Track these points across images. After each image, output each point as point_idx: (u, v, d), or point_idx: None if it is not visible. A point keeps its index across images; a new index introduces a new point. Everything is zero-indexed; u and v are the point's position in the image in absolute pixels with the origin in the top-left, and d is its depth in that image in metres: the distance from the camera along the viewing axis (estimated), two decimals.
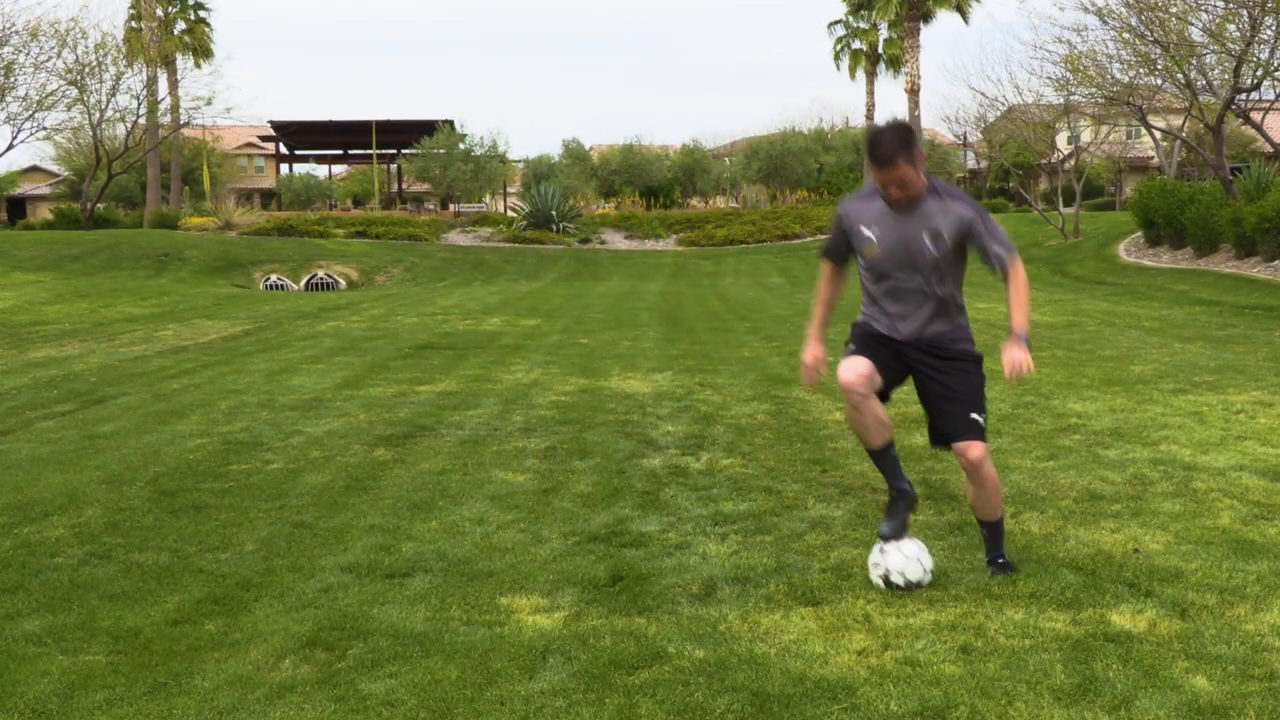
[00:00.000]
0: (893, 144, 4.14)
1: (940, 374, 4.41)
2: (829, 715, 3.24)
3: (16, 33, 34.47)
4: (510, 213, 44.88)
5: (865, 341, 4.46)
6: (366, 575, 4.53)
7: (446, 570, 4.58)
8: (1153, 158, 45.87)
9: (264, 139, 60.71)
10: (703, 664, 3.59)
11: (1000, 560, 4.47)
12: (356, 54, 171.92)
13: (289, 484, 6.13)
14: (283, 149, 55.96)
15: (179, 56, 47.87)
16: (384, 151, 54.28)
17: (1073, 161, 38.36)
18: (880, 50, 51.24)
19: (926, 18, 47.53)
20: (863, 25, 51.31)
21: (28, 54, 35.44)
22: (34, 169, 66.82)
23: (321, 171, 62.85)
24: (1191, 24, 23.37)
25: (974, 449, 4.33)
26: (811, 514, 5.37)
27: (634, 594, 4.25)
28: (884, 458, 4.50)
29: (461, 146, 46.64)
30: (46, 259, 30.28)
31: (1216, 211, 23.69)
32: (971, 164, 59.36)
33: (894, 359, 4.43)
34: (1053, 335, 13.42)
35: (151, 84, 42.50)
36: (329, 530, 5.21)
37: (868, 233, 4.33)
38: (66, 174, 62.09)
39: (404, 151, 51.21)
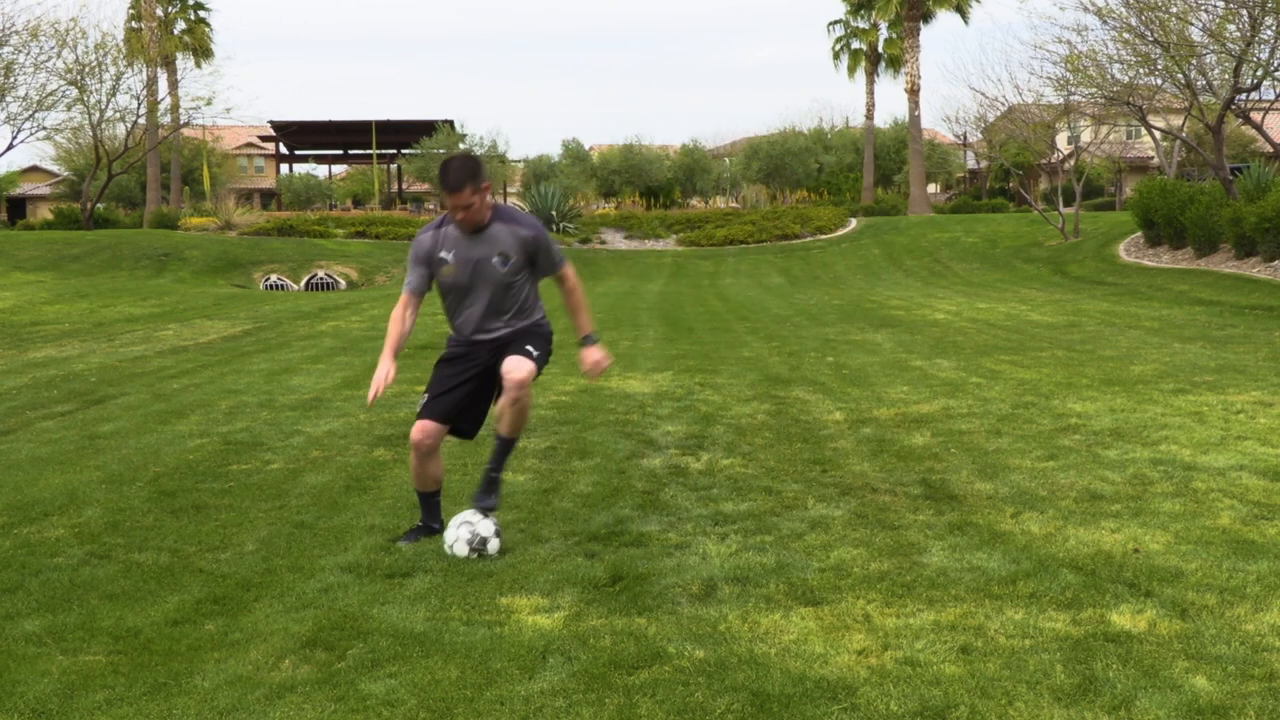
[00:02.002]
0: (461, 173, 4.66)
1: (510, 346, 4.91)
2: (829, 715, 3.24)
3: (16, 33, 34.46)
4: None
5: (443, 382, 4.96)
6: (366, 575, 4.53)
7: (446, 570, 4.58)
8: (1153, 158, 45.88)
9: (264, 139, 60.73)
10: (703, 664, 3.59)
11: (494, 474, 4.92)
12: (357, 54, 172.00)
13: (289, 484, 6.13)
14: (283, 149, 55.96)
15: (179, 56, 47.83)
16: (384, 151, 54.29)
17: (1073, 161, 38.35)
18: (880, 50, 51.22)
19: (926, 18, 47.52)
20: (862, 25, 51.29)
21: (28, 54, 35.43)
22: (34, 169, 66.83)
23: (321, 171, 62.90)
24: (1191, 24, 23.38)
25: (523, 367, 4.77)
26: (811, 514, 5.37)
27: (634, 594, 4.25)
28: (431, 500, 5.10)
29: (461, 146, 46.65)
30: (46, 259, 30.29)
31: (1216, 211, 23.69)
32: (971, 164, 59.36)
33: (478, 376, 4.95)
34: (1053, 335, 13.42)
35: (151, 84, 42.47)
36: (329, 530, 5.21)
37: (444, 254, 4.85)
38: (66, 174, 62.08)
39: (404, 151, 51.22)
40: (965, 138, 49.87)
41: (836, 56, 52.46)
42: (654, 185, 49.35)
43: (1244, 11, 21.85)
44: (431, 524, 5.08)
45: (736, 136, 57.11)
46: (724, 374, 10.29)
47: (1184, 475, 5.99)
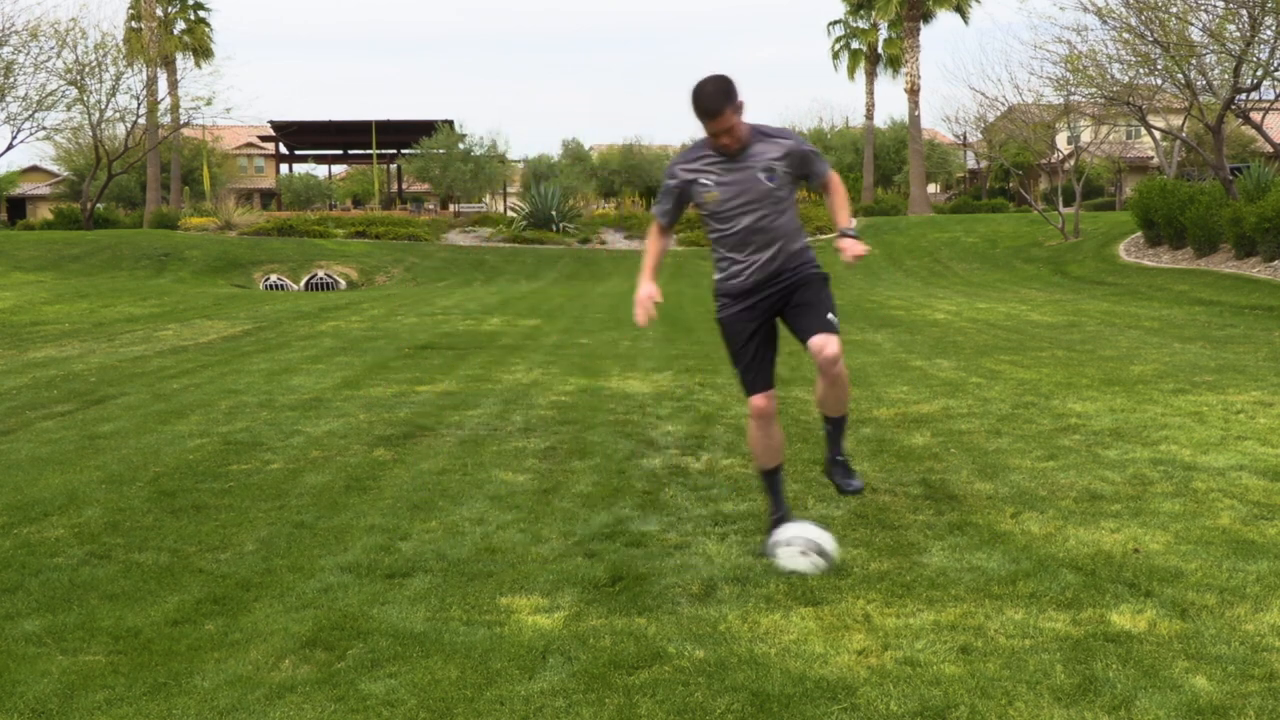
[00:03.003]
0: (718, 96, 4.46)
1: (799, 293, 4.75)
2: (829, 715, 3.24)
3: (16, 33, 34.49)
4: (510, 213, 44.89)
5: (752, 359, 4.80)
6: (366, 575, 4.53)
7: (446, 570, 4.58)
8: (1153, 158, 45.88)
9: (264, 139, 60.74)
10: (703, 664, 3.59)
11: (840, 458, 4.87)
12: (356, 54, 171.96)
13: (289, 484, 6.13)
14: (282, 149, 55.97)
15: (179, 56, 47.87)
16: (384, 151, 54.30)
17: (1073, 161, 38.36)
18: (880, 50, 51.25)
19: (926, 18, 47.55)
20: (862, 25, 51.33)
21: (28, 54, 35.46)
22: (34, 169, 66.85)
23: (321, 171, 62.93)
24: (1191, 24, 23.37)
25: (832, 344, 4.63)
26: (811, 514, 5.37)
27: (634, 594, 4.25)
28: (774, 479, 4.93)
29: (461, 146, 46.66)
30: (46, 259, 30.30)
31: (1216, 211, 23.69)
32: (971, 164, 59.37)
33: (765, 330, 4.82)
34: (1053, 335, 13.42)
35: (151, 84, 42.48)
36: (329, 530, 5.21)
37: (705, 181, 4.67)
38: (66, 174, 62.10)
39: (404, 151, 51.22)
40: (965, 138, 49.87)
41: (836, 56, 52.51)
42: (654, 185, 49.36)
43: (1244, 11, 21.85)
44: (778, 511, 4.86)
45: None
46: (724, 374, 10.28)
47: (1184, 475, 5.99)
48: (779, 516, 4.87)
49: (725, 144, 4.56)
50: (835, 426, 4.90)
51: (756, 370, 4.81)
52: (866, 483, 5.81)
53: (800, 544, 4.45)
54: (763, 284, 4.75)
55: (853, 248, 4.75)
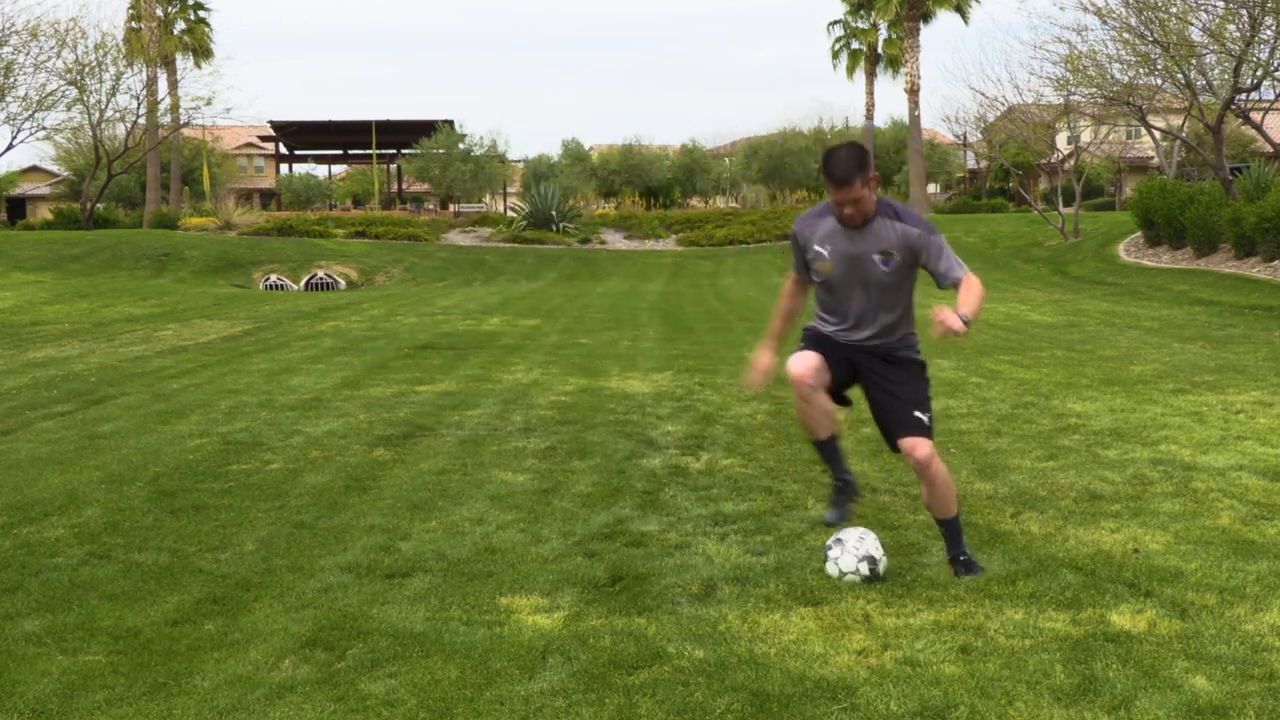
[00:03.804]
0: (849, 165, 4.29)
1: (885, 377, 4.57)
2: (829, 715, 3.24)
3: (16, 33, 34.47)
4: (510, 213, 44.88)
5: (815, 341, 4.68)
6: (366, 575, 4.53)
7: (446, 570, 4.58)
8: (1153, 158, 45.87)
9: (264, 139, 60.71)
10: (703, 664, 3.59)
11: (963, 558, 4.49)
12: (356, 54, 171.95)
13: (289, 484, 6.13)
14: (282, 149, 55.94)
15: (179, 56, 47.85)
16: (384, 151, 54.27)
17: (1073, 161, 38.35)
18: (880, 50, 51.22)
19: (926, 18, 47.51)
20: (862, 25, 51.29)
21: (27, 54, 35.44)
22: (34, 169, 66.81)
23: (321, 171, 62.86)
24: (1191, 24, 23.37)
25: (921, 447, 4.42)
26: (811, 514, 5.37)
27: (634, 594, 4.25)
28: (827, 449, 4.82)
29: (461, 146, 46.63)
30: (46, 259, 30.30)
31: (1216, 211, 23.68)
32: (971, 164, 59.34)
33: (843, 359, 4.63)
34: (1053, 335, 13.42)
35: (151, 84, 42.48)
36: (329, 530, 5.21)
37: (820, 249, 4.52)
38: (66, 174, 62.06)
39: (404, 151, 51.19)
40: (965, 138, 49.84)
41: (836, 56, 52.48)
42: (654, 185, 49.36)
43: (1244, 11, 21.84)
44: (842, 476, 4.79)
45: (736, 136, 57.07)
46: (724, 374, 10.29)
47: (1184, 475, 5.99)
48: (841, 484, 4.82)
49: (849, 215, 4.39)
50: (948, 528, 4.55)
51: (814, 351, 4.60)
52: (862, 482, 5.81)
53: (862, 555, 4.33)
54: (852, 345, 4.60)
55: (949, 320, 4.21)
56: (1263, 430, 7.16)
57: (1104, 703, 3.27)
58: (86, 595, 4.34)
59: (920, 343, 4.68)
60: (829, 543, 4.47)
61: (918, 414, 4.47)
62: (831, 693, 3.36)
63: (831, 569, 4.36)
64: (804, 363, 4.56)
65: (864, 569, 4.32)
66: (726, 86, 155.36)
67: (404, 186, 60.35)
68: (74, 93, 37.84)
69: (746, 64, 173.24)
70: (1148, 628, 3.83)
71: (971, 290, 4.39)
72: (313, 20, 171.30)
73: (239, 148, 68.51)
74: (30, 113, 36.68)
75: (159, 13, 47.32)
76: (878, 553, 4.36)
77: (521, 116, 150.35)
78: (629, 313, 17.91)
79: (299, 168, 60.86)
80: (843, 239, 4.45)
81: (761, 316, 17.05)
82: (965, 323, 4.23)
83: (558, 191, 41.58)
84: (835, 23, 52.16)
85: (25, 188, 66.50)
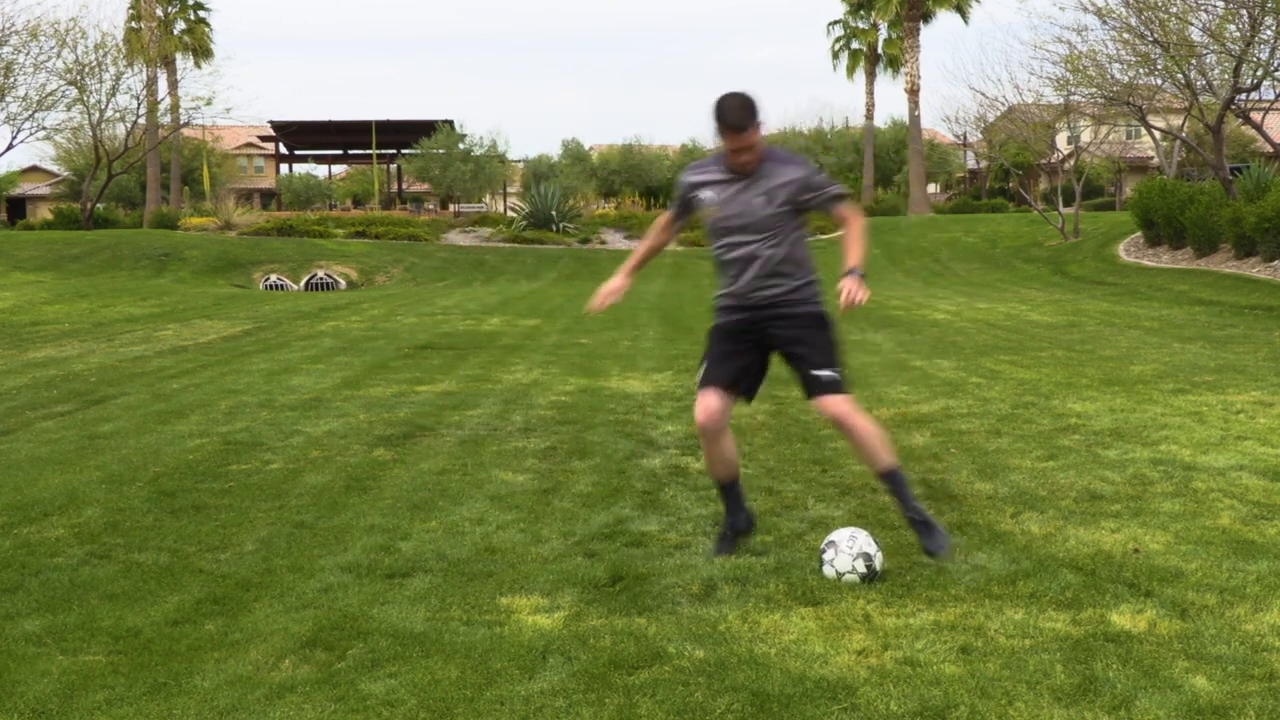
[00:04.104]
0: (743, 112, 4.37)
1: (789, 339, 4.62)
2: (829, 715, 3.24)
3: (16, 33, 34.48)
4: (510, 213, 44.89)
5: (719, 356, 4.68)
6: (366, 575, 4.53)
7: (446, 570, 4.58)
8: (1153, 158, 45.87)
9: (264, 139, 60.74)
10: (703, 664, 3.59)
11: (919, 518, 4.54)
12: (356, 54, 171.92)
13: (289, 484, 6.13)
14: (282, 149, 55.99)
15: (179, 56, 47.88)
16: (384, 151, 54.29)
17: (1073, 161, 38.36)
18: (880, 50, 51.24)
19: (926, 18, 47.57)
20: (862, 25, 51.33)
21: (27, 54, 35.45)
22: (34, 169, 66.81)
23: (321, 171, 62.93)
24: (1191, 24, 23.37)
25: (832, 404, 4.49)
26: (811, 514, 5.37)
27: (634, 594, 4.25)
28: (727, 490, 4.80)
29: (461, 146, 46.68)
30: (46, 259, 30.30)
31: (1216, 211, 23.68)
32: (971, 164, 59.35)
33: (750, 351, 4.68)
34: (1052, 335, 13.43)
35: (151, 84, 42.49)
36: (329, 530, 5.21)
37: (706, 194, 4.61)
38: (66, 174, 62.08)
39: (404, 151, 51.21)
40: (965, 138, 49.85)
41: (836, 56, 52.51)
42: (654, 185, 49.40)
43: (1244, 11, 21.85)
44: (736, 523, 4.77)
45: None
46: None
47: (1184, 475, 5.99)
48: (729, 529, 4.76)
49: (744, 161, 4.46)
50: (890, 481, 4.58)
51: (719, 366, 4.65)
52: (862, 482, 5.81)
53: (855, 553, 4.33)
54: (757, 308, 4.63)
55: (853, 291, 4.47)
56: (1263, 430, 7.16)
57: (1104, 703, 3.27)
58: (86, 595, 4.34)
59: (821, 295, 4.73)
60: (822, 546, 4.47)
61: (826, 372, 4.53)
62: (832, 693, 3.36)
63: (829, 571, 4.35)
64: (707, 408, 4.60)
65: (860, 566, 4.32)
66: (726, 86, 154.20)
67: (404, 186, 60.36)
68: (74, 93, 37.87)
69: (746, 64, 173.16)
70: (1148, 628, 3.83)
71: (854, 234, 4.61)
72: (313, 20, 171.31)
73: (239, 148, 68.51)
74: (30, 113, 36.70)
75: (159, 13, 47.35)
76: (872, 549, 4.36)
77: (521, 116, 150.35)
78: (629, 313, 17.91)
79: (299, 168, 60.95)
80: (732, 185, 4.55)
81: None
82: (861, 276, 4.51)
83: (558, 191, 41.59)
84: (835, 23, 52.20)
85: (25, 188, 66.50)
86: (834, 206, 4.61)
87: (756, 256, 4.57)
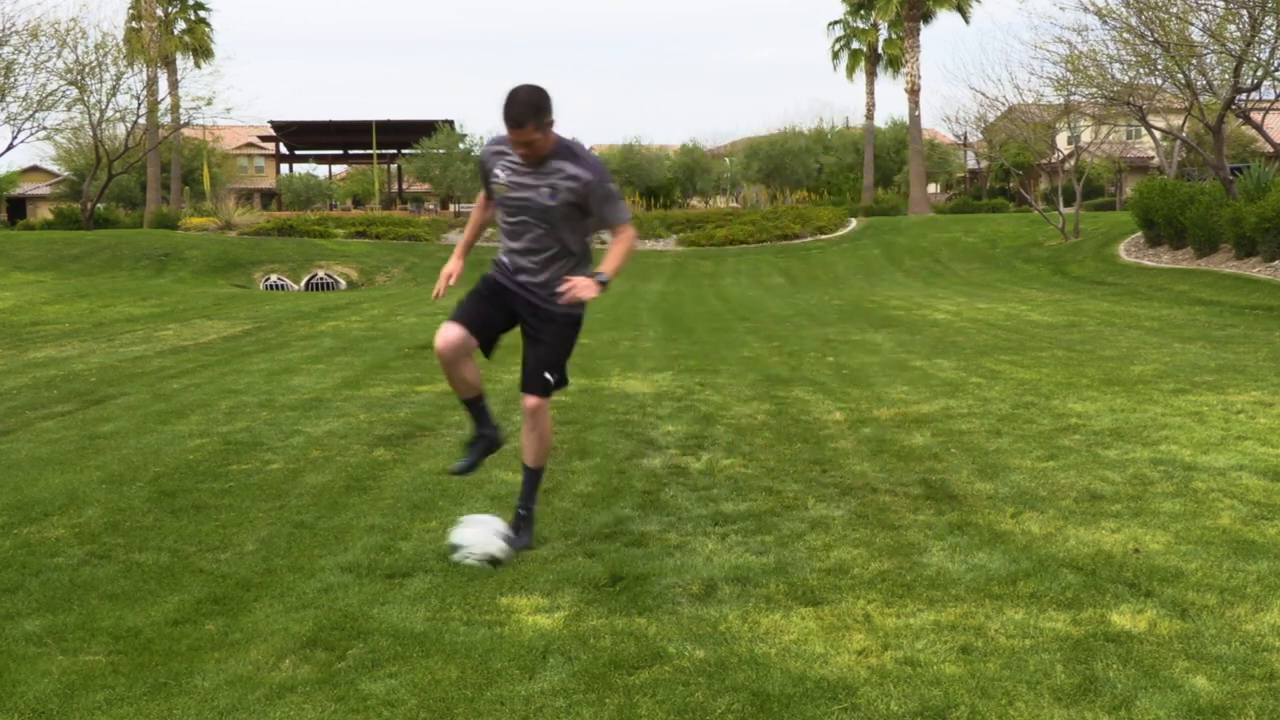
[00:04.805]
0: (524, 108, 4.51)
1: (535, 330, 4.90)
2: (829, 715, 3.24)
3: (16, 33, 34.47)
4: None
5: (477, 299, 4.92)
6: (366, 575, 4.53)
7: (446, 570, 4.58)
8: (1153, 158, 45.87)
9: (264, 139, 60.76)
10: (703, 664, 3.59)
11: (524, 513, 4.89)
12: (356, 54, 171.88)
13: (289, 484, 6.13)
14: (283, 149, 56.00)
15: (179, 56, 47.85)
16: (384, 151, 54.31)
17: (1073, 161, 38.35)
18: (880, 50, 51.23)
19: (926, 18, 47.55)
20: (862, 25, 51.31)
21: (28, 54, 35.43)
22: (34, 169, 66.81)
23: (321, 171, 62.94)
24: (1191, 24, 23.37)
25: (533, 400, 4.85)
26: (811, 514, 5.37)
27: (634, 594, 4.25)
28: (472, 406, 5.09)
29: (461, 146, 46.68)
30: (46, 259, 30.29)
31: (1216, 211, 23.68)
32: (971, 164, 59.35)
33: (502, 310, 4.92)
34: (1053, 335, 13.43)
35: (151, 84, 42.48)
36: (329, 530, 5.21)
37: (498, 171, 4.78)
38: (66, 174, 62.07)
39: (404, 151, 51.21)
40: (965, 138, 49.85)
41: (836, 56, 52.49)
42: (654, 185, 49.39)
43: (1244, 11, 21.85)
44: (483, 430, 5.06)
45: (736, 136, 57.13)
46: (724, 374, 10.29)
47: (1184, 475, 5.99)
48: (480, 436, 5.06)
49: (523, 154, 4.63)
50: (531, 477, 4.95)
51: (471, 307, 4.86)
52: (862, 482, 5.81)
53: (476, 552, 4.57)
54: (521, 286, 4.85)
55: (581, 287, 4.63)
56: (1263, 430, 7.16)
57: (1104, 703, 3.27)
58: (87, 595, 4.34)
59: (580, 306, 4.87)
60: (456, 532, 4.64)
61: (546, 374, 4.84)
62: (832, 693, 3.36)
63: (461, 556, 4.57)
64: (445, 337, 4.81)
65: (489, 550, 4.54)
66: (726, 86, 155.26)
67: (404, 186, 60.36)
68: (74, 93, 37.85)
69: (746, 64, 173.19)
70: (1148, 628, 3.83)
71: (615, 249, 4.78)
72: (313, 20, 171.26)
73: (239, 148, 68.51)
74: (30, 113, 36.68)
75: (159, 13, 47.34)
76: (498, 549, 4.56)
77: None
78: (629, 312, 17.91)
79: (299, 168, 60.95)
80: (521, 170, 4.70)
81: (761, 316, 17.05)
82: (602, 283, 4.66)
83: None
84: (835, 23, 52.18)
85: (25, 188, 66.50)
86: (613, 223, 4.78)
87: (531, 245, 4.79)
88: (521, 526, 4.86)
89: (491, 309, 4.90)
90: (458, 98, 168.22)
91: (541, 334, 4.88)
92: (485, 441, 5.13)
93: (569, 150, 4.69)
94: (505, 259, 4.90)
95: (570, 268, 4.82)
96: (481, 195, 5.11)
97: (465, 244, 5.18)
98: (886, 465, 6.39)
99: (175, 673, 3.60)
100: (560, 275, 4.78)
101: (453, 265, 5.08)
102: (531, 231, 4.76)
